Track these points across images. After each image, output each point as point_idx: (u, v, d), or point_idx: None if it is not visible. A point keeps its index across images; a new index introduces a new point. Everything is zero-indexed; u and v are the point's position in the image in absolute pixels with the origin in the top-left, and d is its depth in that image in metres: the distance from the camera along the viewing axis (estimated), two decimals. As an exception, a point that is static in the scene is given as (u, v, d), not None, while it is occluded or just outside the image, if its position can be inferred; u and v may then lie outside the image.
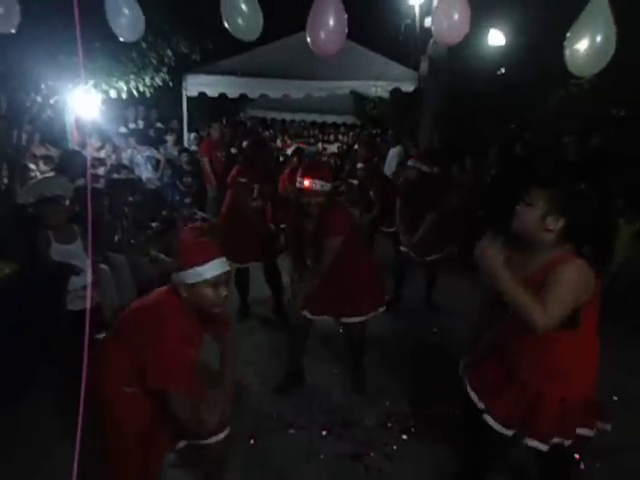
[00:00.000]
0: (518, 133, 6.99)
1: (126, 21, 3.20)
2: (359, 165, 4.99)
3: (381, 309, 2.99)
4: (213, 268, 1.72)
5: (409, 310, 4.41)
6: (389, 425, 2.80)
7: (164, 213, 6.04)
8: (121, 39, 3.35)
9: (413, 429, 2.76)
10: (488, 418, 1.93)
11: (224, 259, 1.77)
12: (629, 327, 4.08)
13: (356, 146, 9.30)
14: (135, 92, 5.67)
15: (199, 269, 1.70)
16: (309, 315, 2.94)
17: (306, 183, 2.58)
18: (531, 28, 7.90)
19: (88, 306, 1.94)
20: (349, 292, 2.88)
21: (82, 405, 1.40)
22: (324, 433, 2.72)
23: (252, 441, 2.60)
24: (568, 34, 2.47)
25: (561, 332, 1.72)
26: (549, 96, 8.59)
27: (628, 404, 2.96)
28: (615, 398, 3.03)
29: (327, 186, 2.65)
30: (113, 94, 5.50)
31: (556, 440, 1.83)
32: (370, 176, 4.83)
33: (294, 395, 3.06)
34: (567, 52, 2.48)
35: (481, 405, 1.97)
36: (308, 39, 2.48)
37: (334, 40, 2.45)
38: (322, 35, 2.41)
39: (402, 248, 4.32)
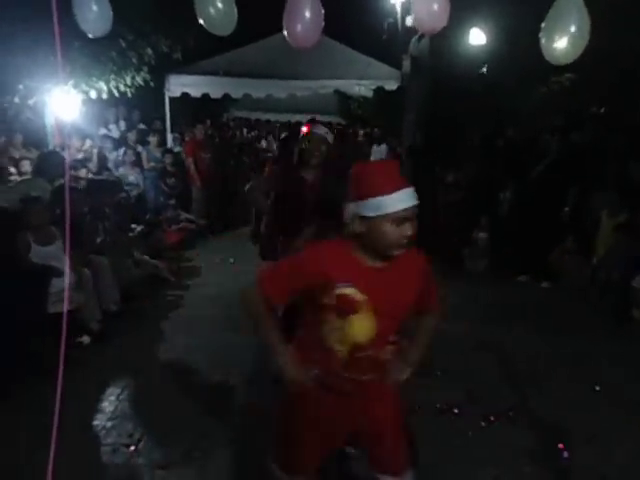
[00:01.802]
0: (500, 130, 7.07)
1: (94, 16, 3.17)
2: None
3: None
4: (400, 200, 1.36)
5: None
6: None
7: (148, 216, 6.00)
8: (90, 35, 3.32)
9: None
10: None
11: (412, 190, 1.41)
12: (610, 318, 4.15)
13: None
14: (116, 92, 5.61)
15: (382, 199, 1.35)
16: None
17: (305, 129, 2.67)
18: (512, 26, 7.99)
19: (65, 309, 1.89)
20: None
21: (58, 406, 1.37)
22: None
23: (242, 438, 2.58)
24: (543, 24, 2.51)
25: None
26: (531, 93, 8.70)
27: (609, 393, 3.01)
28: (597, 388, 3.07)
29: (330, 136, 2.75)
30: (93, 94, 5.43)
31: None
32: None
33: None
34: (542, 41, 2.51)
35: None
36: (285, 32, 2.47)
37: (311, 32, 2.45)
38: (299, 28, 2.41)
39: None
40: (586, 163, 5.00)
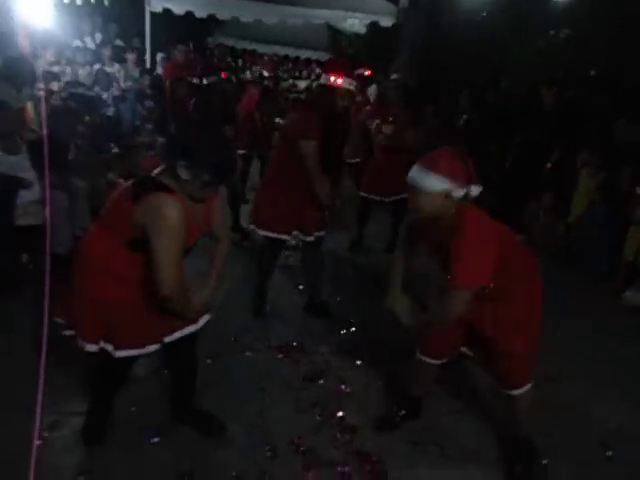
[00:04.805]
0: (492, 79, 6.89)
1: None
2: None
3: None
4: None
5: (371, 249, 4.44)
6: (344, 351, 2.87)
7: (123, 139, 5.71)
8: None
9: (367, 356, 2.84)
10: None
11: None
12: (579, 274, 4.29)
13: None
14: (92, -2, 5.16)
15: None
16: (270, 234, 2.89)
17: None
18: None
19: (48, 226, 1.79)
20: (309, 207, 2.85)
21: (46, 317, 1.36)
22: (280, 356, 2.76)
23: (209, 361, 2.61)
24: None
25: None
26: (526, 45, 8.47)
27: (570, 341, 3.15)
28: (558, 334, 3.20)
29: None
30: (66, -3, 4.98)
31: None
32: None
33: (253, 322, 3.07)
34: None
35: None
36: None
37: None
38: None
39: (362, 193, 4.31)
40: (575, 121, 4.96)
